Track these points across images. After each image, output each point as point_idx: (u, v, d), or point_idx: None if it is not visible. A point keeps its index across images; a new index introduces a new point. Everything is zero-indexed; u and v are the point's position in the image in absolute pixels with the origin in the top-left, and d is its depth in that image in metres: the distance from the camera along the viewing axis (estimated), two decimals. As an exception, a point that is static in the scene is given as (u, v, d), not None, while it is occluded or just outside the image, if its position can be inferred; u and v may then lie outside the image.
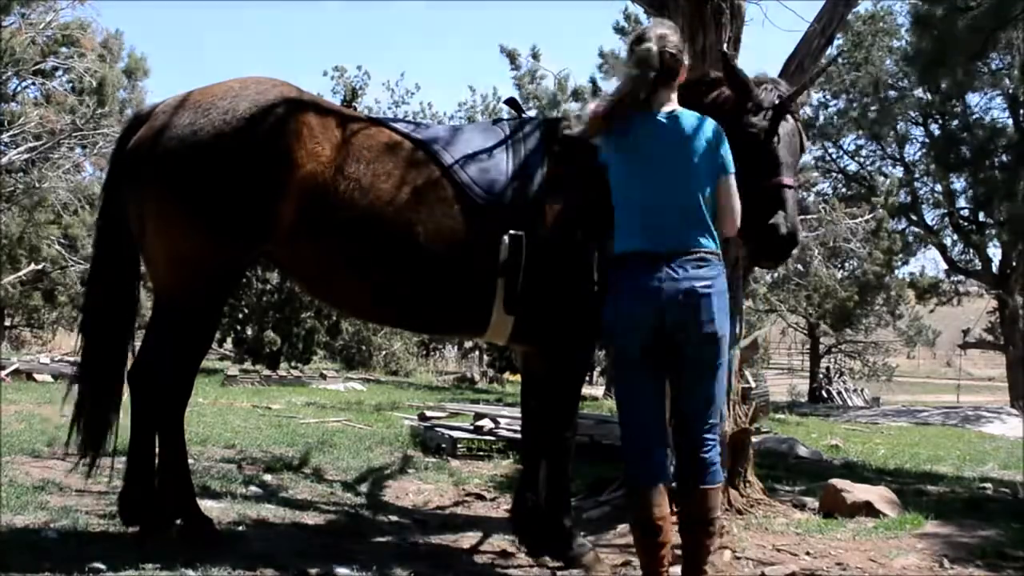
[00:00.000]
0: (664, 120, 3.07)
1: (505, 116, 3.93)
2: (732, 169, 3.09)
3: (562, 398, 3.69)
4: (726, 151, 3.08)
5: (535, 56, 18.45)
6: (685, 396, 3.08)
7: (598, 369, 20.00)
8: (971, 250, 22.80)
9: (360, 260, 3.47)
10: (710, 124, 3.10)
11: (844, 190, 23.83)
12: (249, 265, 3.75)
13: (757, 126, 3.32)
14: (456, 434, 7.02)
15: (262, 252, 3.56)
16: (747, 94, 3.37)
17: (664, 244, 2.99)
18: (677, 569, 3.37)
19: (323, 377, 15.97)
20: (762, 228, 3.24)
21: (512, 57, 18.51)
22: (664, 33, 3.16)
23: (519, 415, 4.18)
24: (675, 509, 3.11)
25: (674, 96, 3.16)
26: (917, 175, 23.70)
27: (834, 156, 24.84)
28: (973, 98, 21.42)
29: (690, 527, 3.07)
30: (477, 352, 25.72)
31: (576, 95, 17.87)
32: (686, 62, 3.20)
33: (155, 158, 3.38)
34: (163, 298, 3.51)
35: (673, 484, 3.13)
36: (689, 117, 3.10)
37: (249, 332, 18.53)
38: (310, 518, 4.37)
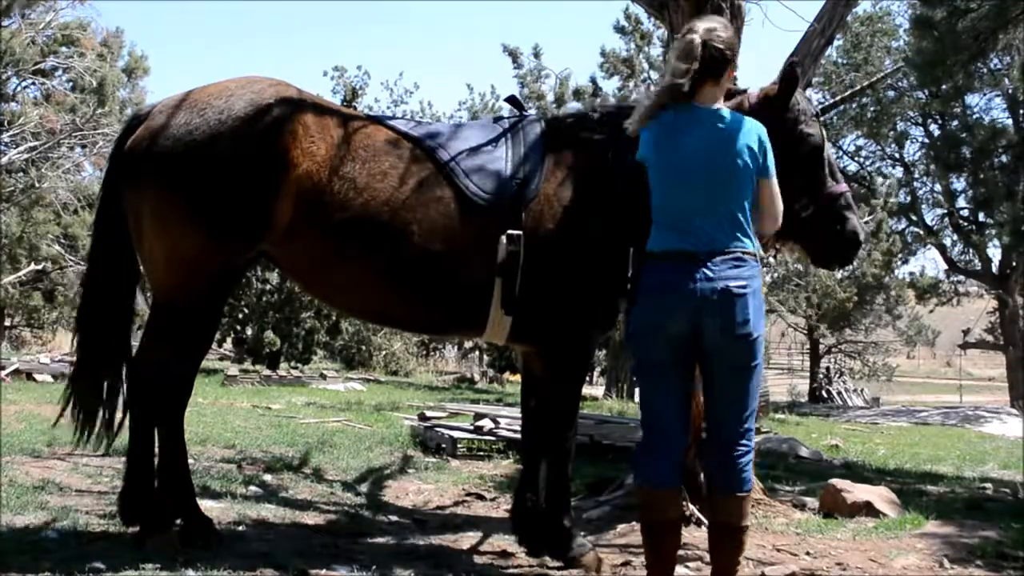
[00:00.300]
0: (707, 117, 2.99)
1: (505, 114, 3.91)
2: (774, 172, 3.04)
3: (562, 398, 3.69)
4: (769, 153, 3.02)
5: (537, 55, 18.43)
6: (718, 399, 3.01)
7: (598, 369, 20.01)
8: (971, 250, 22.81)
9: (357, 260, 3.46)
10: (755, 125, 3.03)
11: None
12: (247, 265, 3.73)
13: (813, 135, 3.43)
14: (456, 434, 7.02)
15: (260, 252, 3.55)
16: (788, 103, 3.41)
17: (701, 244, 2.92)
18: (681, 570, 3.37)
19: (323, 377, 15.97)
20: (837, 234, 3.46)
21: (514, 56, 18.49)
22: (712, 27, 3.02)
23: (519, 415, 4.17)
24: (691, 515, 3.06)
25: (720, 94, 3.07)
26: (917, 175, 23.71)
27: (834, 156, 24.79)
28: (973, 98, 21.44)
29: (720, 534, 3.03)
30: (477, 352, 25.72)
31: (578, 95, 17.84)
32: (736, 60, 3.12)
33: (151, 158, 3.37)
34: (160, 298, 3.51)
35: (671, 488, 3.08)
36: (734, 116, 3.02)
37: (249, 332, 18.53)
38: (310, 518, 4.37)
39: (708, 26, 3.02)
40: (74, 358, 3.74)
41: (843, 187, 3.50)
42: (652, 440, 3.04)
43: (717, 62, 2.98)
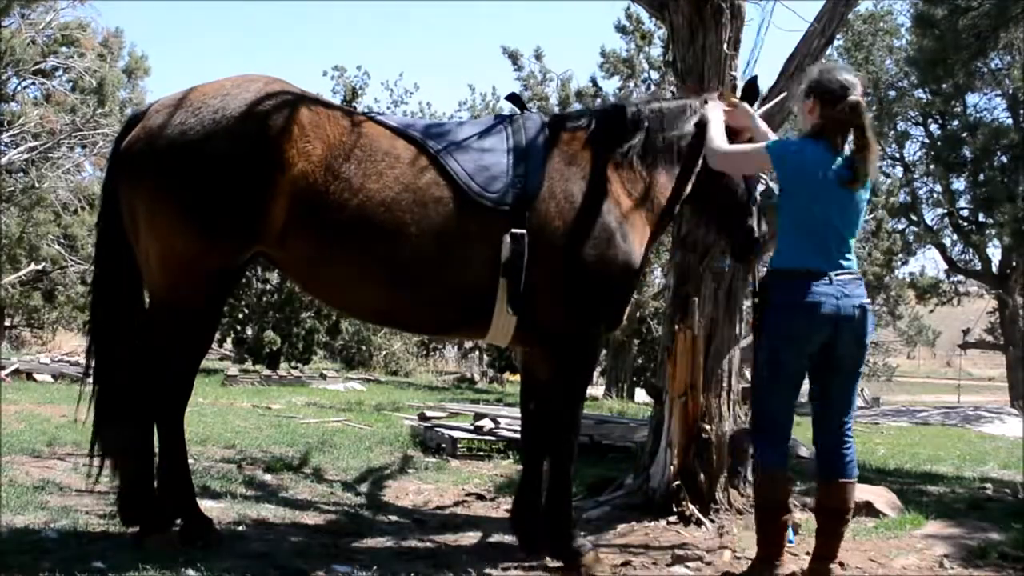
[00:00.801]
0: (844, 156, 3.34)
1: (507, 113, 3.90)
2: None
3: (566, 399, 3.68)
4: None
5: (538, 57, 18.39)
6: (836, 399, 3.43)
7: (598, 369, 20.00)
8: (971, 250, 22.80)
9: (354, 260, 3.44)
10: None
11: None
12: (245, 265, 3.71)
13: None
14: (456, 434, 7.02)
15: (257, 252, 3.53)
16: None
17: (831, 265, 3.32)
18: (681, 569, 3.37)
19: (323, 377, 15.97)
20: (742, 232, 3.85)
21: (514, 58, 18.46)
22: (855, 80, 3.39)
23: (519, 415, 4.17)
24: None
25: None
26: (917, 175, 23.69)
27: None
28: (973, 98, 21.43)
29: (828, 515, 3.39)
30: (477, 352, 25.73)
31: (580, 97, 17.81)
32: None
33: (147, 157, 3.36)
34: (158, 298, 3.50)
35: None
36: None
37: (249, 332, 18.54)
38: (310, 518, 4.37)
39: (855, 82, 3.36)
40: (82, 360, 3.71)
41: (760, 186, 3.84)
42: (771, 432, 3.44)
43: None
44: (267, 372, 15.78)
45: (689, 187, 3.86)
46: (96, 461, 3.61)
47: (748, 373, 3.96)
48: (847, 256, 3.37)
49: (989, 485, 6.42)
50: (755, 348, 3.50)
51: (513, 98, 3.97)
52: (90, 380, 3.64)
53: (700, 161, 3.80)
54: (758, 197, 3.83)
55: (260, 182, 3.32)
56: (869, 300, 3.39)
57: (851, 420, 3.46)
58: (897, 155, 24.39)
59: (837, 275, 3.31)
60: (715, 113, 3.74)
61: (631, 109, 3.83)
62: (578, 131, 3.73)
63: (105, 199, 3.64)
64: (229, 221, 3.35)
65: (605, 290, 3.59)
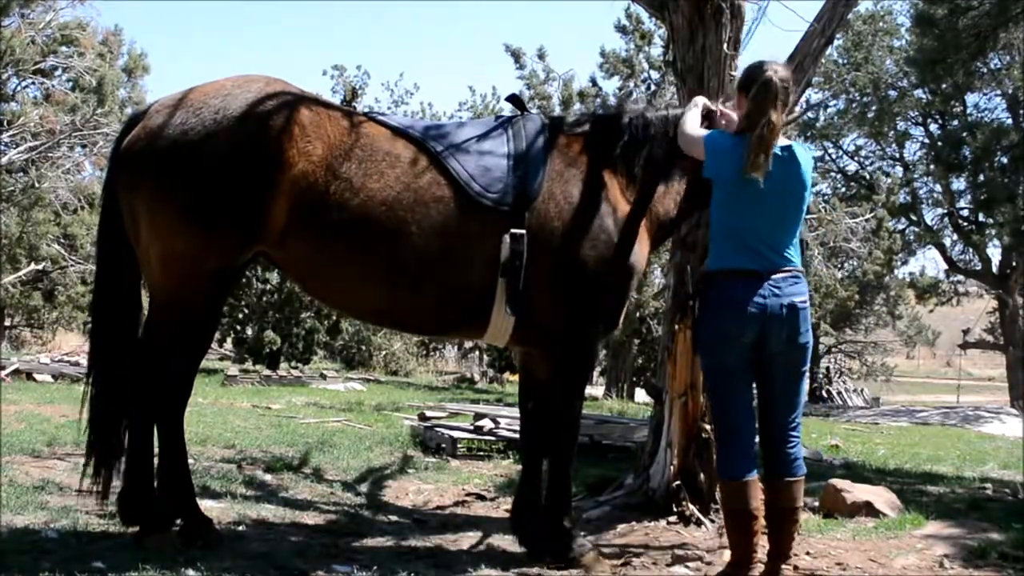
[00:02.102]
0: (781, 153, 3.27)
1: (507, 114, 3.90)
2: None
3: (565, 400, 3.68)
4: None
5: (541, 56, 18.36)
6: (778, 399, 3.40)
7: (598, 369, 20.00)
8: (971, 250, 22.79)
9: (354, 260, 3.44)
10: (810, 156, 3.39)
11: (844, 190, 23.80)
12: (245, 265, 3.71)
13: None
14: (456, 434, 7.02)
15: (258, 252, 3.53)
16: None
17: (762, 263, 3.28)
18: (681, 569, 3.37)
19: (323, 377, 15.96)
20: None
21: (516, 56, 18.43)
22: (778, 65, 3.36)
23: (519, 415, 4.17)
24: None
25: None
26: (917, 175, 23.69)
27: (834, 156, 24.84)
28: (973, 98, 21.43)
29: (778, 515, 3.37)
30: (477, 352, 25.70)
31: (582, 97, 17.78)
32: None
33: (147, 157, 3.37)
34: (158, 298, 3.51)
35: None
36: (800, 150, 3.34)
37: (249, 332, 18.52)
38: (310, 518, 4.37)
39: (774, 64, 3.35)
40: (83, 360, 3.72)
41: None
42: (728, 438, 3.39)
43: (787, 98, 3.32)
44: (267, 372, 15.77)
45: (691, 196, 3.83)
46: (93, 461, 3.60)
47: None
48: (781, 252, 3.30)
49: (989, 485, 6.42)
50: (698, 354, 3.51)
51: (514, 99, 3.98)
52: (90, 380, 3.64)
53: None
54: None
55: (261, 182, 3.32)
56: (804, 298, 3.31)
57: (796, 419, 3.43)
58: (897, 155, 24.41)
59: (768, 272, 3.26)
60: (700, 101, 3.73)
61: (634, 115, 3.82)
62: (579, 134, 3.73)
63: (106, 199, 3.65)
64: (230, 221, 3.35)
65: (603, 291, 3.59)
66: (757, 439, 3.45)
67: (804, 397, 3.45)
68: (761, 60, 3.40)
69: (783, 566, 3.37)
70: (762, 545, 3.38)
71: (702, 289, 3.42)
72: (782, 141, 3.30)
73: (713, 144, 3.37)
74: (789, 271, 3.30)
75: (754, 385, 3.41)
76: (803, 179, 3.32)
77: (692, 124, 3.58)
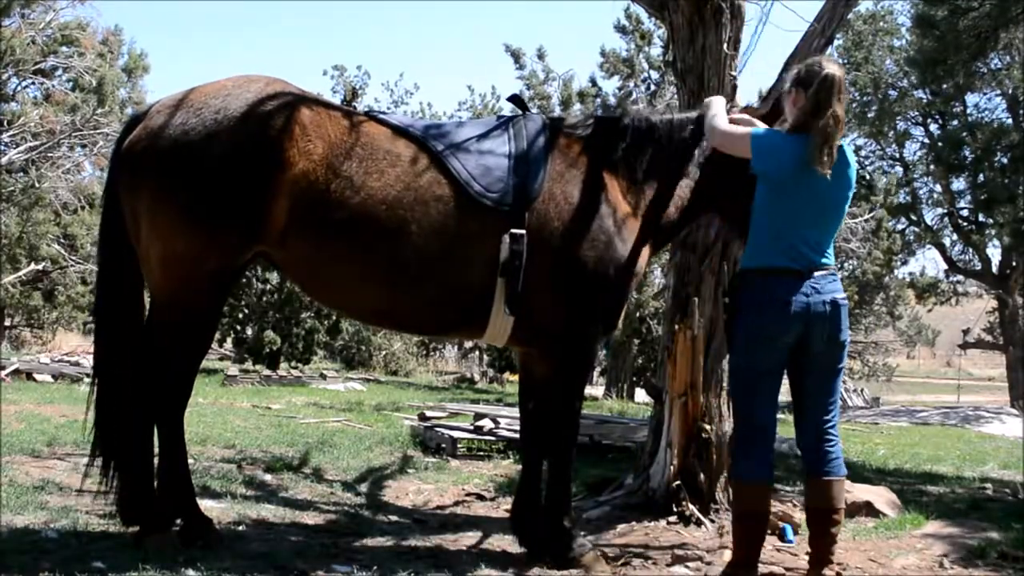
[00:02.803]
0: (808, 137, 3.23)
1: (508, 114, 3.90)
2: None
3: (564, 400, 3.68)
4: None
5: (540, 56, 18.35)
6: (814, 397, 3.35)
7: (598, 369, 20.00)
8: (971, 250, 22.79)
9: (355, 260, 3.44)
10: (852, 155, 3.36)
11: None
12: (246, 265, 3.71)
13: None
14: (456, 434, 7.02)
15: (258, 252, 3.53)
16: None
17: (802, 262, 3.27)
18: (681, 569, 3.37)
19: (323, 377, 15.96)
20: None
21: (516, 57, 18.42)
22: (835, 62, 3.38)
23: (519, 415, 4.17)
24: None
25: None
26: (917, 175, 23.69)
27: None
28: (973, 98, 21.43)
29: (815, 516, 3.31)
30: (477, 352, 25.70)
31: (582, 97, 17.77)
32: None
33: (148, 158, 3.37)
34: (158, 298, 3.51)
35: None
36: (849, 152, 3.33)
37: (249, 332, 18.52)
38: (310, 518, 4.37)
39: (834, 64, 3.35)
40: (83, 360, 3.72)
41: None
42: (750, 439, 3.36)
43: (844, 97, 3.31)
44: (267, 372, 15.77)
45: (696, 200, 3.82)
46: (98, 461, 3.60)
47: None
48: (821, 252, 3.31)
49: (989, 485, 6.42)
50: (729, 352, 3.49)
51: (515, 99, 3.98)
52: (93, 380, 3.64)
53: (712, 175, 3.78)
54: None
55: (261, 182, 3.32)
56: (844, 295, 3.34)
57: (835, 418, 3.39)
58: (897, 155, 24.40)
59: (808, 271, 3.26)
60: (718, 100, 3.74)
61: (637, 117, 3.81)
62: (580, 135, 3.73)
63: (107, 200, 3.65)
64: (230, 221, 3.35)
65: (602, 291, 3.59)
66: (793, 441, 3.44)
67: (839, 395, 3.44)
68: (818, 57, 3.45)
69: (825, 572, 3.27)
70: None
71: (741, 287, 3.39)
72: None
73: (763, 140, 3.34)
74: (825, 268, 3.30)
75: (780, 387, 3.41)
76: (850, 180, 3.33)
77: (726, 121, 3.56)
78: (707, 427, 4.50)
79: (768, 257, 3.31)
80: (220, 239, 3.37)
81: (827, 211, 3.32)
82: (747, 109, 3.77)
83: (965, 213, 22.80)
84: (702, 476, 4.48)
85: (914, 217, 23.52)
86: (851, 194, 3.38)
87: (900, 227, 23.11)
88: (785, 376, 3.41)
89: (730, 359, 3.44)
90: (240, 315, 18.42)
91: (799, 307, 3.23)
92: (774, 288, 3.26)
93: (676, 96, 4.98)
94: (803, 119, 3.27)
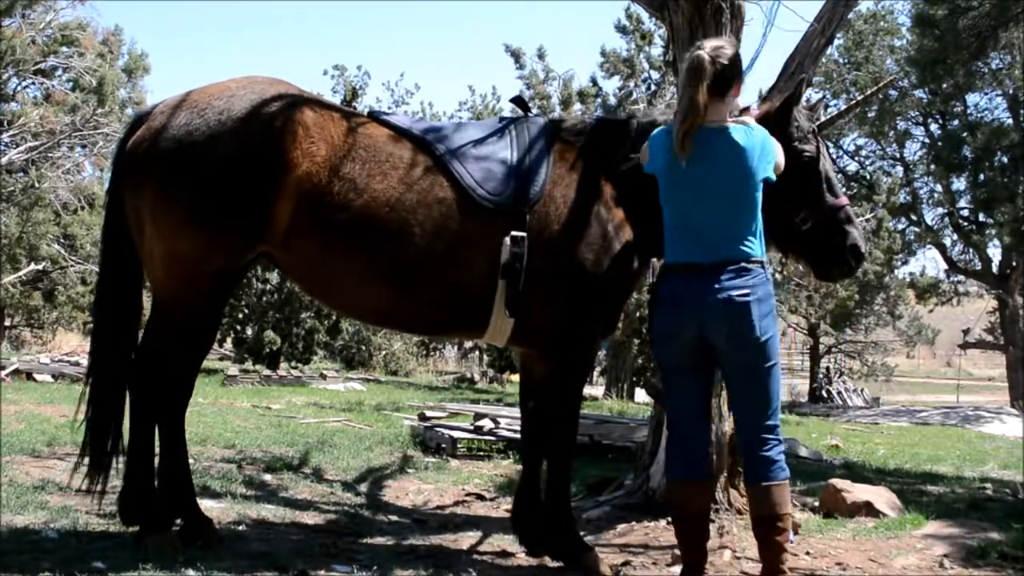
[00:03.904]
0: (716, 135, 3.11)
1: (510, 115, 3.89)
2: (775, 178, 3.18)
3: (563, 400, 3.68)
4: (771, 161, 3.16)
5: (541, 56, 18.34)
6: (738, 399, 3.21)
7: (598, 369, 20.00)
8: (971, 250, 22.80)
9: (357, 261, 3.45)
10: (759, 134, 3.16)
11: (844, 190, 23.76)
12: (248, 266, 3.72)
13: (808, 151, 3.49)
14: (456, 434, 7.02)
15: (260, 253, 3.54)
16: (787, 121, 3.48)
17: (710, 255, 3.09)
18: (680, 569, 3.37)
19: (323, 377, 15.97)
20: (839, 247, 3.52)
21: (516, 56, 18.41)
22: (719, 44, 3.19)
23: (519, 415, 4.18)
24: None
25: (726, 111, 3.18)
26: (917, 175, 23.70)
27: (834, 156, 24.83)
28: (973, 98, 21.44)
29: (760, 524, 3.17)
30: (477, 352, 25.71)
31: (582, 97, 17.76)
32: (742, 76, 3.23)
33: (151, 158, 3.37)
34: (160, 299, 3.51)
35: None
36: (738, 130, 3.13)
37: (249, 332, 18.53)
38: (310, 518, 4.37)
39: (714, 44, 3.17)
40: (85, 360, 3.72)
41: (843, 201, 3.57)
42: (673, 436, 3.31)
43: (725, 79, 3.12)
44: (267, 372, 15.78)
45: None
46: (88, 460, 3.60)
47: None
48: (732, 244, 3.09)
49: (989, 485, 6.42)
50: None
51: (518, 101, 3.97)
52: (87, 379, 3.64)
53: None
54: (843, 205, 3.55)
55: (265, 183, 3.33)
56: (745, 291, 3.04)
57: (770, 421, 3.14)
58: (897, 155, 24.41)
59: (711, 265, 3.07)
60: None
61: (637, 120, 3.80)
62: (582, 138, 3.72)
63: (110, 200, 3.65)
64: (233, 222, 3.35)
65: (601, 293, 3.60)
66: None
67: (775, 396, 3.17)
68: (699, 41, 3.30)
69: None
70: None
71: (655, 285, 3.32)
72: (718, 124, 3.11)
73: (651, 140, 3.30)
74: (737, 262, 3.07)
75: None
76: (745, 164, 3.08)
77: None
78: (707, 427, 4.49)
79: (670, 253, 3.22)
80: (223, 240, 3.38)
81: (724, 199, 3.09)
82: (746, 111, 3.73)
83: (965, 213, 22.80)
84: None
85: (914, 217, 23.53)
86: (755, 179, 3.10)
87: (900, 227, 23.11)
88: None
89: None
90: (240, 315, 18.43)
91: (691, 304, 3.09)
92: (672, 284, 3.16)
93: (676, 96, 4.98)
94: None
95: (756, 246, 3.12)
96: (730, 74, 3.13)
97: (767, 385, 3.14)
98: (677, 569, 3.56)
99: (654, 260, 3.93)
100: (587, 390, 4.29)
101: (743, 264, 3.08)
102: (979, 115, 21.58)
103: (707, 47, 3.12)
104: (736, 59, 3.18)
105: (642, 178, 3.46)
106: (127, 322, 3.62)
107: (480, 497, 5.24)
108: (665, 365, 3.27)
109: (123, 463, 3.58)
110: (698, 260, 3.09)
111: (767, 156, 3.15)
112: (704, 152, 3.09)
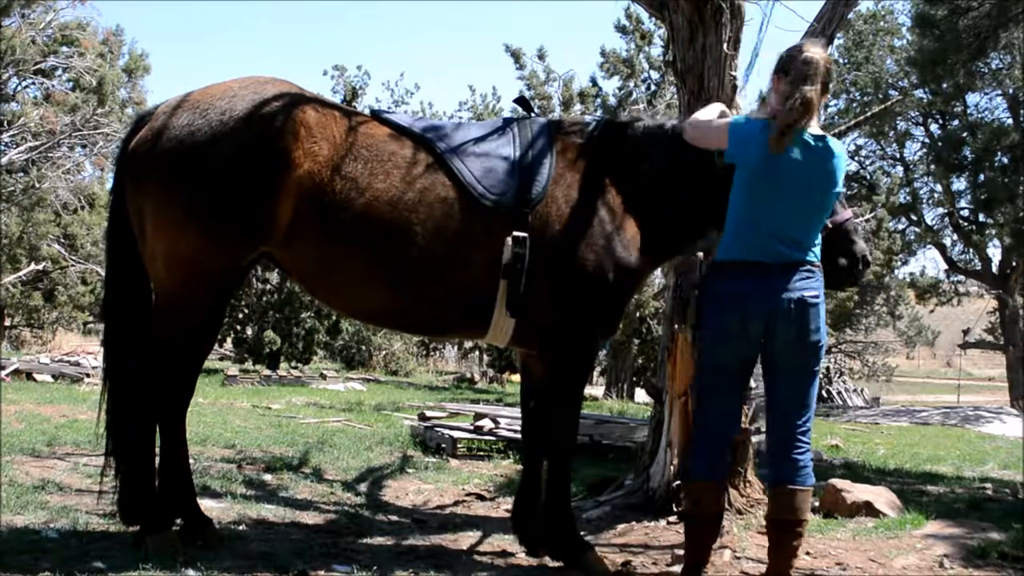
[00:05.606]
0: (814, 142, 3.15)
1: (511, 115, 3.88)
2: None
3: (564, 400, 3.68)
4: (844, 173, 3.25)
5: (541, 56, 18.33)
6: (781, 400, 3.21)
7: (598, 369, 20.01)
8: (971, 250, 22.80)
9: (358, 261, 3.45)
10: (841, 147, 3.23)
11: (844, 190, 23.72)
12: (250, 266, 3.72)
13: None
14: (456, 434, 7.02)
15: (262, 253, 3.53)
16: None
17: (779, 255, 3.13)
18: (678, 570, 3.37)
19: (323, 377, 15.97)
20: (845, 255, 3.51)
21: (516, 57, 18.40)
22: (825, 52, 3.22)
23: (519, 415, 4.18)
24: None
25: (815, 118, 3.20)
26: (917, 175, 23.70)
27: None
28: (973, 98, 21.43)
29: (777, 527, 3.17)
30: (477, 352, 25.72)
31: (583, 97, 17.75)
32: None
33: (153, 158, 3.37)
34: (163, 298, 3.51)
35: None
36: (835, 143, 3.20)
37: (249, 332, 18.53)
38: (310, 518, 4.37)
39: (820, 48, 3.20)
40: (102, 360, 3.71)
41: (847, 214, 3.59)
42: (705, 436, 3.28)
43: (826, 85, 3.18)
44: (267, 372, 15.79)
45: (706, 214, 3.75)
46: (109, 461, 3.60)
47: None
48: (798, 247, 3.15)
49: (989, 485, 6.43)
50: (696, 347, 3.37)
51: (521, 101, 3.97)
52: (104, 381, 3.64)
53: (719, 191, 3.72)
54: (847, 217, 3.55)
55: (267, 183, 3.33)
56: (814, 294, 3.13)
57: (806, 424, 3.20)
58: (897, 155, 24.41)
59: (780, 266, 3.11)
60: (716, 104, 3.69)
61: (641, 124, 3.79)
62: (584, 138, 3.72)
63: (114, 200, 3.65)
64: (236, 222, 3.35)
65: (602, 294, 3.59)
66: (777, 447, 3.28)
67: (814, 400, 3.24)
68: (802, 41, 3.32)
69: None
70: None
71: (708, 280, 3.29)
72: (816, 130, 3.16)
73: (738, 128, 3.23)
74: (799, 264, 3.14)
75: (753, 388, 3.37)
76: (834, 173, 3.17)
77: (707, 113, 3.46)
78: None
79: (738, 249, 3.19)
80: (225, 240, 3.37)
81: (805, 204, 3.15)
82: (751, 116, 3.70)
83: (965, 213, 22.80)
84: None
85: (914, 217, 23.53)
86: (836, 190, 3.22)
87: (900, 227, 23.12)
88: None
89: (698, 356, 3.34)
90: (240, 315, 18.44)
91: (761, 303, 3.09)
92: (739, 282, 3.14)
93: (676, 96, 4.98)
94: (780, 105, 3.16)
95: (818, 251, 3.22)
96: (830, 73, 3.20)
97: (812, 388, 3.20)
98: (677, 569, 3.57)
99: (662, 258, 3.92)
100: (587, 390, 4.29)
101: (811, 266, 3.16)
102: (979, 115, 21.57)
103: (812, 48, 3.17)
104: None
105: (653, 179, 3.47)
106: (137, 322, 3.61)
107: (480, 497, 5.24)
108: (712, 363, 3.24)
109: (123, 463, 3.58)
110: (766, 260, 3.12)
111: (845, 168, 3.24)
112: (801, 152, 3.11)
